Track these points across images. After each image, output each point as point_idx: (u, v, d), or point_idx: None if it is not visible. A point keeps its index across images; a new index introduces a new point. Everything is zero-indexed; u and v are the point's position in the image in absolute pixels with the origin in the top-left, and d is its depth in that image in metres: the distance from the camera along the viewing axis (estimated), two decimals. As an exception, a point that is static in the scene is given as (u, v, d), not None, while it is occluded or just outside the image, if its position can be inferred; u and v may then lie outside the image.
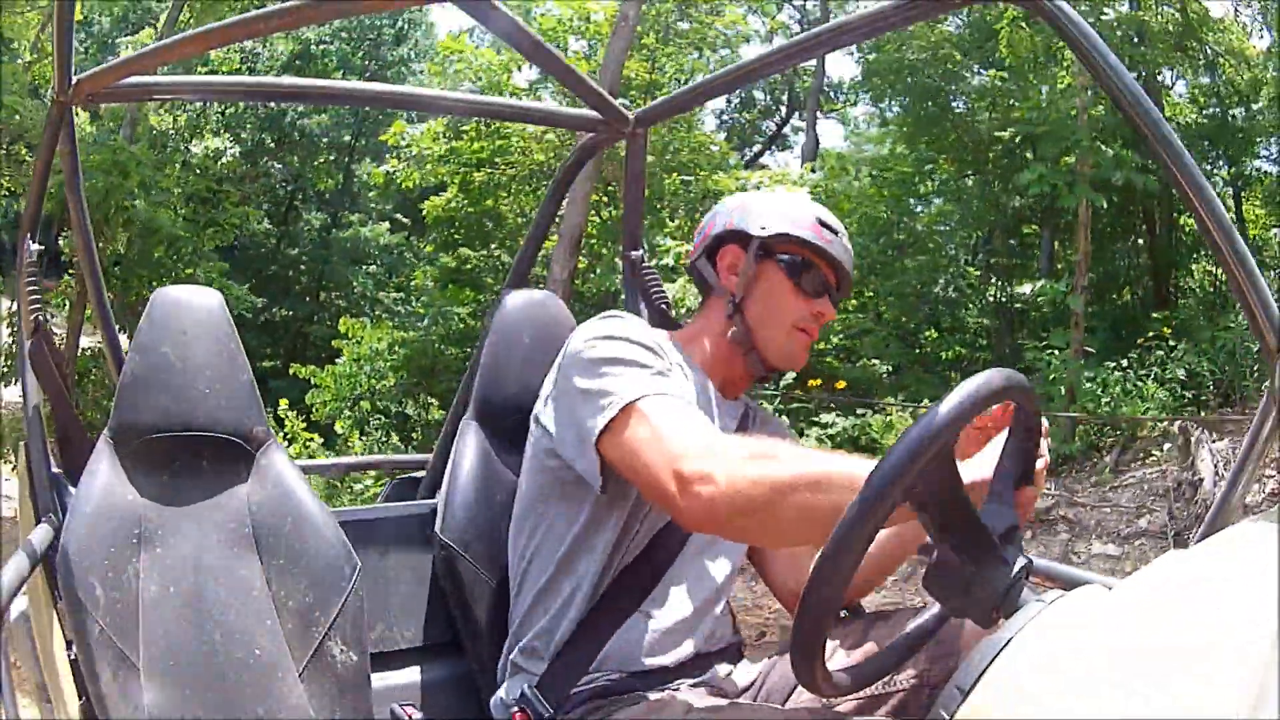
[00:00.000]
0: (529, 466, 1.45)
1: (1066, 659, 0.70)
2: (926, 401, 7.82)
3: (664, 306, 1.98)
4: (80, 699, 1.27)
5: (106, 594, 1.28)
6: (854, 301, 10.09)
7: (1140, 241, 10.25)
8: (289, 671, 1.36)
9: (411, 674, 1.63)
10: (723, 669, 1.42)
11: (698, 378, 1.47)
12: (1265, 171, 10.20)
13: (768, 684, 1.38)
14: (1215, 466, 5.43)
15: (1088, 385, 7.37)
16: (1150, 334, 8.02)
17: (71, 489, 1.52)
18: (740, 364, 1.50)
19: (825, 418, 7.70)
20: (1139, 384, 7.53)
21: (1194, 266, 10.12)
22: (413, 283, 13.07)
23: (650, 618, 1.37)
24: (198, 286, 1.57)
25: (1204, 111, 9.93)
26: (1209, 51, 9.43)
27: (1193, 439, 6.03)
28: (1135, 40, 8.53)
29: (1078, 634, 0.73)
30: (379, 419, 10.01)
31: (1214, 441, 6.23)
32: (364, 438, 9.81)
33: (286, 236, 17.33)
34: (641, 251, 2.06)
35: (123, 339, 1.95)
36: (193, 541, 1.39)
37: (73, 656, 1.29)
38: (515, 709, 1.32)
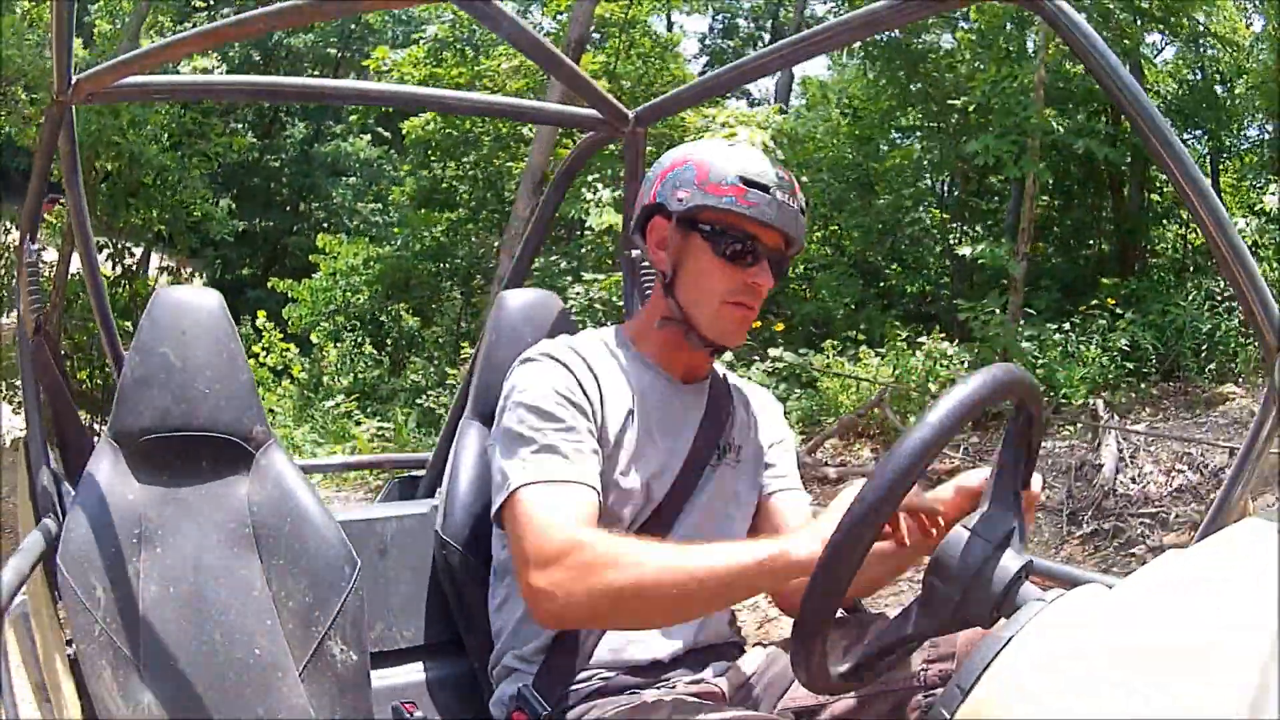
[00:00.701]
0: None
1: (1067, 658, 0.70)
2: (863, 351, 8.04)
3: None
4: (80, 699, 1.27)
5: (106, 594, 1.28)
6: (819, 234, 10.48)
7: (1104, 206, 10.35)
8: (289, 671, 1.36)
9: (411, 673, 1.63)
10: (719, 665, 1.41)
11: (648, 377, 1.43)
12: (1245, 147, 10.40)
13: (764, 679, 1.38)
14: (1120, 452, 5.31)
15: (1026, 345, 7.55)
16: (1094, 301, 8.13)
17: (71, 489, 1.52)
18: (685, 345, 1.43)
19: (774, 351, 7.94)
20: (1080, 349, 7.60)
21: (1167, 232, 10.19)
22: (389, 198, 13.69)
23: None
24: (198, 288, 1.57)
25: (1184, 84, 10.14)
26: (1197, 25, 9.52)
27: (1100, 423, 5.94)
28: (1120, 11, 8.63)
29: (1078, 633, 0.73)
30: (354, 329, 10.68)
31: (1132, 424, 6.19)
32: (338, 345, 10.47)
33: (270, 149, 17.42)
34: (640, 250, 2.06)
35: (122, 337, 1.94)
36: (193, 541, 1.39)
37: (73, 656, 1.29)
38: (513, 709, 1.32)
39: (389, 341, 10.80)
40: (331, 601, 1.40)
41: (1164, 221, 10.02)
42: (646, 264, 2.03)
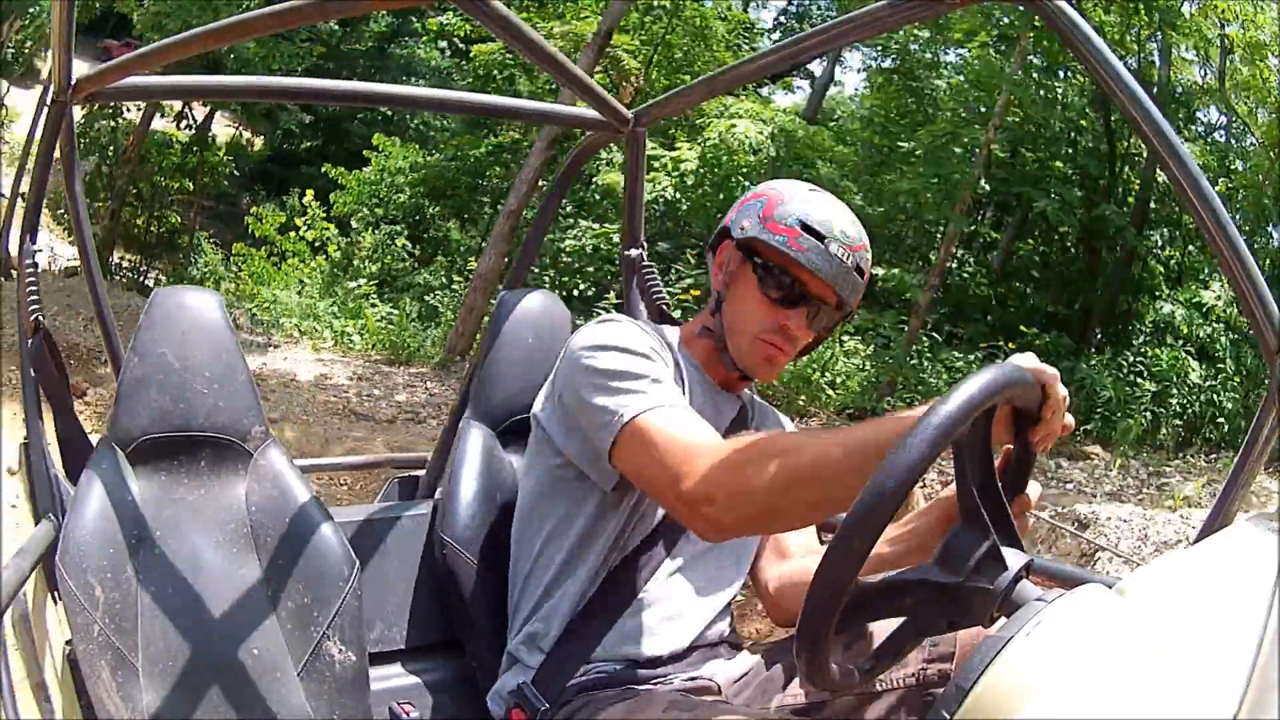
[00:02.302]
0: (531, 464, 1.46)
1: (1067, 658, 0.70)
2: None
3: (663, 305, 1.98)
4: (79, 699, 1.27)
5: (106, 594, 1.28)
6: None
7: (1060, 261, 11.08)
8: (287, 671, 1.36)
9: (408, 674, 1.63)
10: (717, 664, 1.41)
11: (694, 374, 1.46)
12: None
13: (759, 678, 1.38)
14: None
15: (939, 367, 8.47)
16: (1010, 345, 8.76)
17: (71, 489, 1.52)
18: (720, 363, 1.47)
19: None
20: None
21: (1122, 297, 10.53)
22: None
23: (648, 609, 1.37)
24: (197, 288, 1.57)
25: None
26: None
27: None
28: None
29: (1078, 633, 0.73)
30: (390, 223, 11.81)
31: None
32: (374, 233, 11.61)
33: (350, 36, 17.41)
34: (640, 250, 2.06)
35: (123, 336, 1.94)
36: (192, 541, 1.39)
37: (72, 656, 1.29)
38: (511, 704, 1.33)
39: (420, 240, 11.93)
40: (330, 602, 1.40)
41: (1124, 285, 10.43)
42: (647, 265, 2.04)
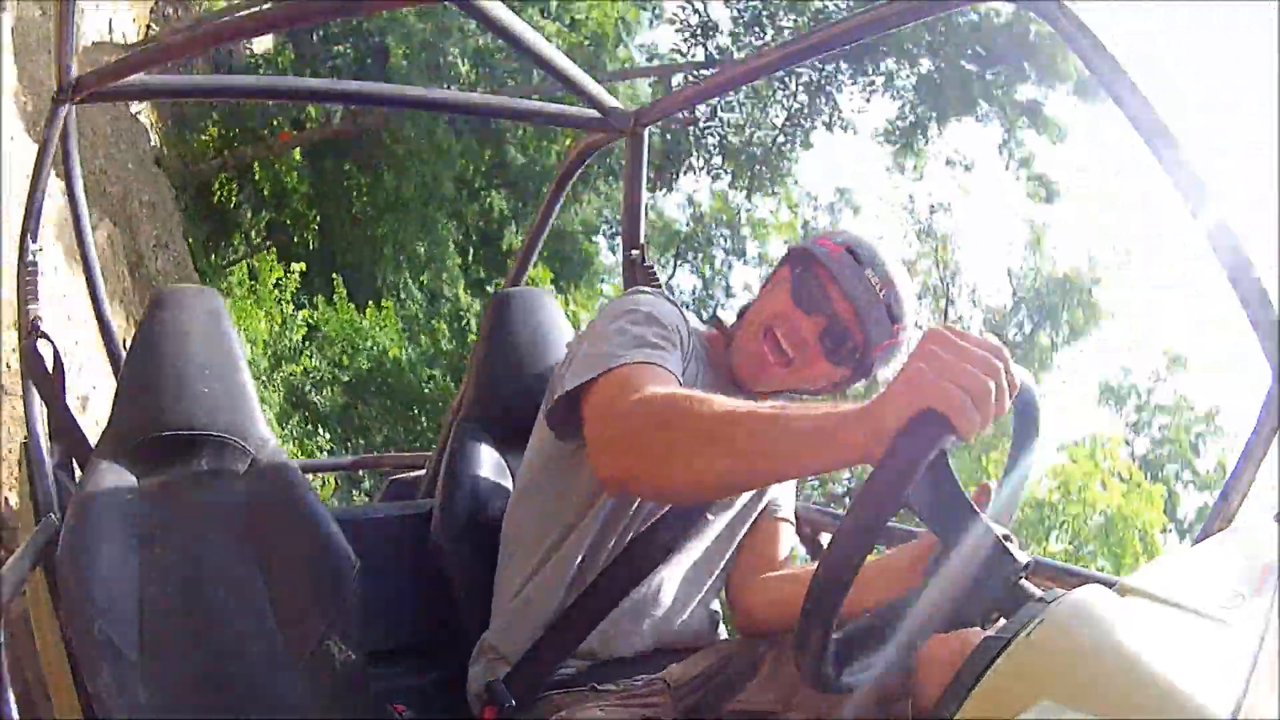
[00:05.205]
0: (529, 462, 1.46)
1: (1068, 659, 0.70)
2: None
3: None
4: (79, 698, 1.27)
5: (106, 594, 1.28)
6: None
7: None
8: (287, 671, 1.36)
9: (406, 675, 1.63)
10: (677, 665, 1.37)
11: (704, 372, 1.43)
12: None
13: (717, 680, 1.34)
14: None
15: None
16: None
17: (71, 489, 1.52)
18: (721, 359, 1.44)
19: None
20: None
21: None
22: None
23: (625, 609, 1.37)
24: (198, 287, 1.57)
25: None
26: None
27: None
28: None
29: (1078, 633, 0.73)
30: None
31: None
32: None
33: None
34: (640, 251, 2.06)
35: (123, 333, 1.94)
36: (191, 541, 1.39)
37: (72, 655, 1.29)
38: (485, 701, 1.33)
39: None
40: (330, 601, 1.40)
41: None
42: (649, 265, 2.04)
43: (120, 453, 1.41)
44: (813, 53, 1.63)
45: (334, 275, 9.60)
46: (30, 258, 1.75)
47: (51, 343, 1.72)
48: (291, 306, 9.08)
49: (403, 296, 10.83)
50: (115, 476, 1.38)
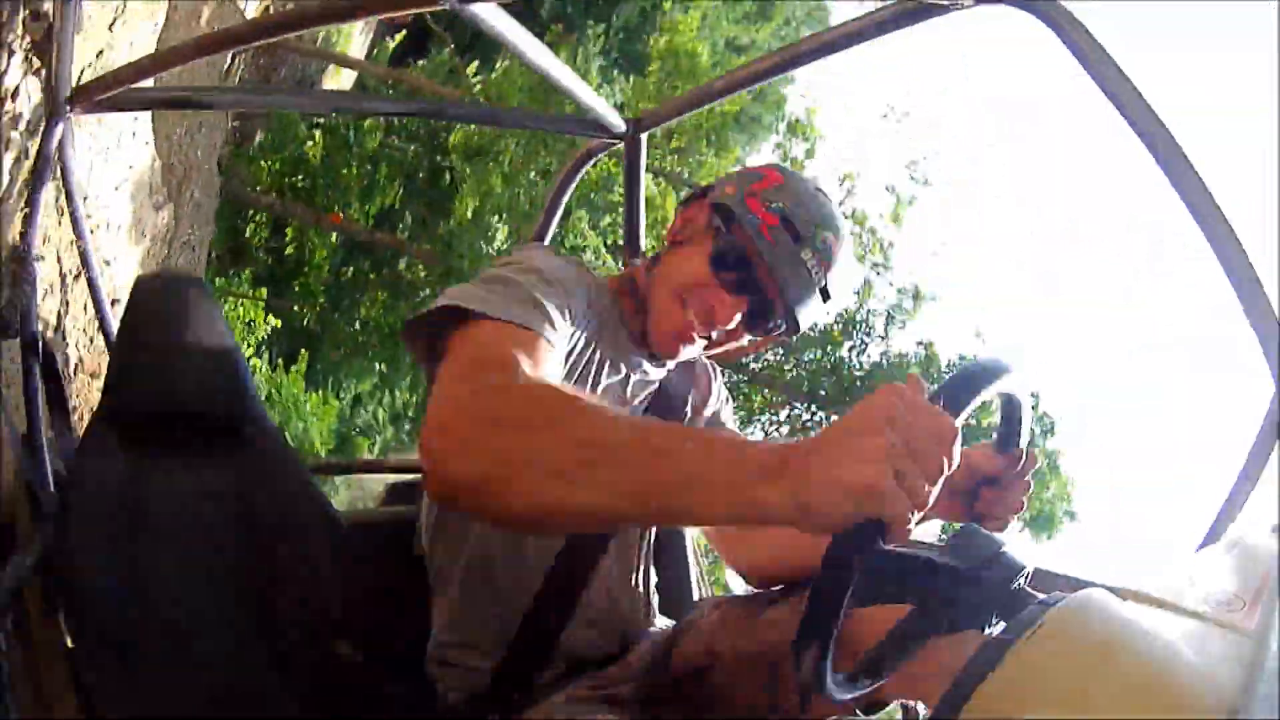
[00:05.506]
0: None
1: (1068, 662, 0.70)
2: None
3: None
4: (78, 696, 1.27)
5: (104, 590, 1.27)
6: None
7: None
8: (287, 671, 1.35)
9: (408, 675, 1.63)
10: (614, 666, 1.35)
11: (606, 333, 1.29)
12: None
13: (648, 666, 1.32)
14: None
15: None
16: None
17: (69, 487, 1.51)
18: (632, 320, 1.31)
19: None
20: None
21: None
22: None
23: (583, 607, 1.34)
24: (186, 272, 1.56)
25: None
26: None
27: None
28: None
29: (1079, 637, 0.73)
30: None
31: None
32: None
33: None
34: (643, 258, 2.06)
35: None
36: (191, 540, 1.38)
37: (72, 654, 1.28)
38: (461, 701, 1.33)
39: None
40: (331, 602, 1.40)
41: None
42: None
43: (116, 446, 1.39)
44: (815, 57, 1.63)
45: (303, 350, 9.53)
46: (31, 261, 1.75)
47: (47, 339, 1.71)
48: (251, 351, 8.85)
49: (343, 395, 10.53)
50: (113, 474, 1.37)
